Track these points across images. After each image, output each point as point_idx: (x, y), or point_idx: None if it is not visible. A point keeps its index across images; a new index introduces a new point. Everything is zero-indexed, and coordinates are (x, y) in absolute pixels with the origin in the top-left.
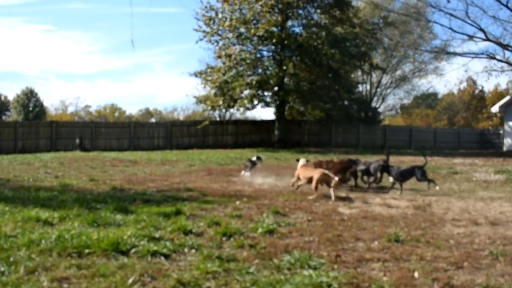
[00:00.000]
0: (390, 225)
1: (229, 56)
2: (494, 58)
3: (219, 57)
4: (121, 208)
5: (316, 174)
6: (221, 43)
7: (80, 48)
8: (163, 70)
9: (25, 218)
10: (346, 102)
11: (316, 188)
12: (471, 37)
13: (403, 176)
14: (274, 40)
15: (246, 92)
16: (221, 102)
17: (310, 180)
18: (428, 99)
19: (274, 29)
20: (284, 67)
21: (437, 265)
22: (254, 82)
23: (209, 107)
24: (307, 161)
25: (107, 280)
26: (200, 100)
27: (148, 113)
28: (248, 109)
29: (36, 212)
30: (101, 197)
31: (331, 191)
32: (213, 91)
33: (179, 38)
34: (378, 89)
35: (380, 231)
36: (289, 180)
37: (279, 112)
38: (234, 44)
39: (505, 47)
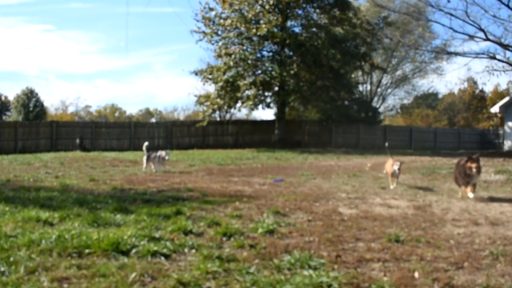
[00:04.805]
0: (390, 225)
1: (230, 55)
2: (495, 58)
3: (219, 56)
4: (121, 208)
5: None
6: (221, 42)
7: (80, 48)
8: (163, 70)
9: (25, 218)
10: (346, 102)
11: None
12: (471, 37)
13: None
14: (276, 40)
15: (247, 92)
16: (221, 102)
17: None
18: (429, 99)
19: (274, 29)
20: (288, 67)
21: (437, 265)
22: (258, 82)
23: (209, 110)
24: None
25: (107, 280)
26: (200, 102)
27: (148, 113)
28: (252, 109)
29: (36, 212)
30: (102, 197)
31: None
32: (214, 91)
33: (179, 38)
34: (379, 89)
35: (380, 231)
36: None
37: (279, 112)
38: (234, 44)
39: (505, 47)
